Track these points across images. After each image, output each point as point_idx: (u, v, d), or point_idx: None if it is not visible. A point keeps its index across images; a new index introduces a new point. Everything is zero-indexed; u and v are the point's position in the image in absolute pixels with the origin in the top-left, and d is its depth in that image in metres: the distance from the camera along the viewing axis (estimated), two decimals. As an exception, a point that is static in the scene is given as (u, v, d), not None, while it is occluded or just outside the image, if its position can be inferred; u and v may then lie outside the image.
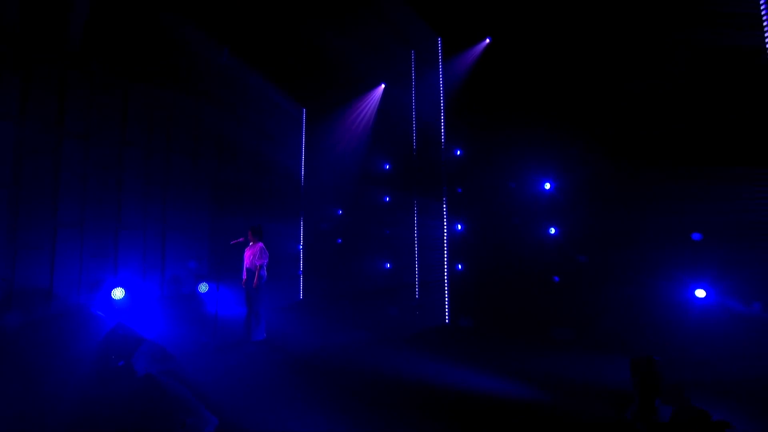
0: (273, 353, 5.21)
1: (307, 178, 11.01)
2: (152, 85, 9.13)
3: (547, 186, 6.76)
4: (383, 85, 9.76)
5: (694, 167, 5.04)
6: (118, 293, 6.98)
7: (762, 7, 4.89)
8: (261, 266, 5.47)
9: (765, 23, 4.87)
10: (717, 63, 5.01)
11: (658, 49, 5.39)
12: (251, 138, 10.67)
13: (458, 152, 8.12)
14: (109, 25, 8.07)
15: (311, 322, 7.49)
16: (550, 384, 4.21)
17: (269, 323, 5.98)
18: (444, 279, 8.12)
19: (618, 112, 5.71)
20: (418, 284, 8.61)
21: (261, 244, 5.65)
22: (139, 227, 8.92)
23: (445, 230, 8.13)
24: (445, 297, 8.05)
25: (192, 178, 9.80)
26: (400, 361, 4.95)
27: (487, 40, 7.75)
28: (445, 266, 8.11)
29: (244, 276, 5.65)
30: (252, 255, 5.57)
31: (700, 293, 5.17)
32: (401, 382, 4.28)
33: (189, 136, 9.89)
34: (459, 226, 7.98)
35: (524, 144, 6.90)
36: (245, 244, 5.75)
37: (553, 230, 6.66)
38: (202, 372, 4.39)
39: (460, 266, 7.92)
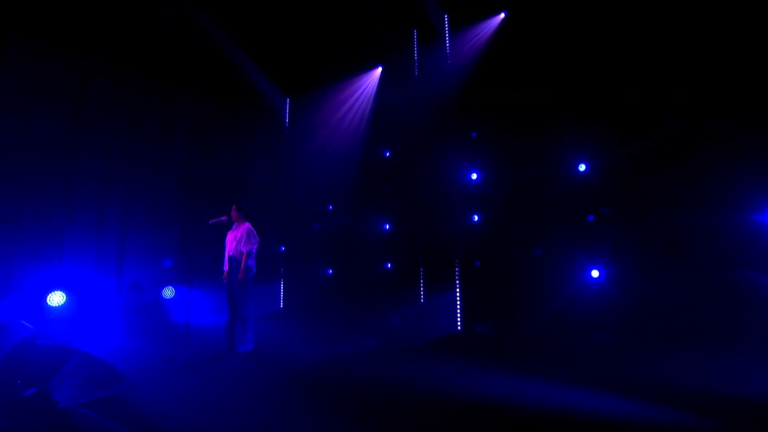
0: (265, 368, 3.91)
1: (293, 169, 9.77)
2: (116, 57, 7.82)
3: (582, 167, 5.89)
4: (380, 68, 8.82)
5: None
6: (56, 299, 5.49)
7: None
8: (248, 253, 4.16)
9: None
10: None
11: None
12: (230, 122, 9.41)
13: (473, 135, 7.18)
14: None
15: (304, 329, 6.22)
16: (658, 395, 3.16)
17: (256, 331, 4.68)
18: (455, 279, 7.08)
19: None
20: (423, 286, 7.51)
21: (248, 224, 4.34)
22: (93, 224, 7.47)
23: (456, 223, 7.13)
24: (456, 300, 6.99)
25: (160, 168, 8.46)
26: (435, 376, 3.78)
27: (502, 15, 6.96)
28: (456, 264, 7.07)
29: (226, 267, 4.32)
30: (236, 239, 4.26)
31: None
32: (449, 403, 3.12)
33: (157, 119, 8.58)
34: (475, 217, 6.98)
35: (552, 121, 6.04)
36: (228, 226, 4.44)
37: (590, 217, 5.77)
38: (164, 396, 3.10)
39: (477, 263, 6.89)
